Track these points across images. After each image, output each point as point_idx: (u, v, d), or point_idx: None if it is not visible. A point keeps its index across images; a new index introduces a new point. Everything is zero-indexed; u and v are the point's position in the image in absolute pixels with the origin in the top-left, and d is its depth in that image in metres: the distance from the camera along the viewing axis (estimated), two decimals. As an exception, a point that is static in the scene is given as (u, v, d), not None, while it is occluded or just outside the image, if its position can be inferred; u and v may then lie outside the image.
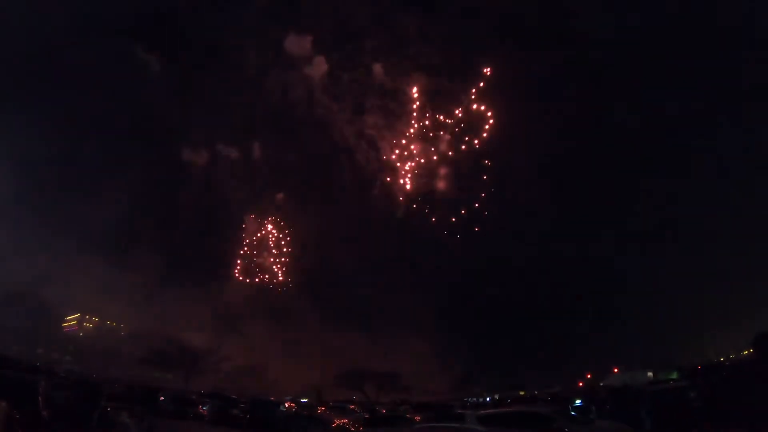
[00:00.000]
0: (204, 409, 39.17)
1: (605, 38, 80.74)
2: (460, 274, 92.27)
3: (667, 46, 77.85)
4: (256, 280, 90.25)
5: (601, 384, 56.75)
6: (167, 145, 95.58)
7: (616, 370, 62.44)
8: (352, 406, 51.60)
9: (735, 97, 73.92)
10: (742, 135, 74.73)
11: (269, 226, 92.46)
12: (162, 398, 39.71)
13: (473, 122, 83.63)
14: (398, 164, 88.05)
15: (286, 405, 49.35)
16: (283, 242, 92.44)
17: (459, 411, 33.17)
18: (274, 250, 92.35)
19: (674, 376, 46.60)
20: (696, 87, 77.19)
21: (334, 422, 35.35)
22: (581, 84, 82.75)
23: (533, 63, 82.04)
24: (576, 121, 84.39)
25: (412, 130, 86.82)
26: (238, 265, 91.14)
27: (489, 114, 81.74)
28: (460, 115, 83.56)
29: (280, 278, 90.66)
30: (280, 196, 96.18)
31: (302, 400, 62.79)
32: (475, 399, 69.93)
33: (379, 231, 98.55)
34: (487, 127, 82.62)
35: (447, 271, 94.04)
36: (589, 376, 68.64)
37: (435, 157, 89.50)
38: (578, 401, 37.07)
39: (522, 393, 69.44)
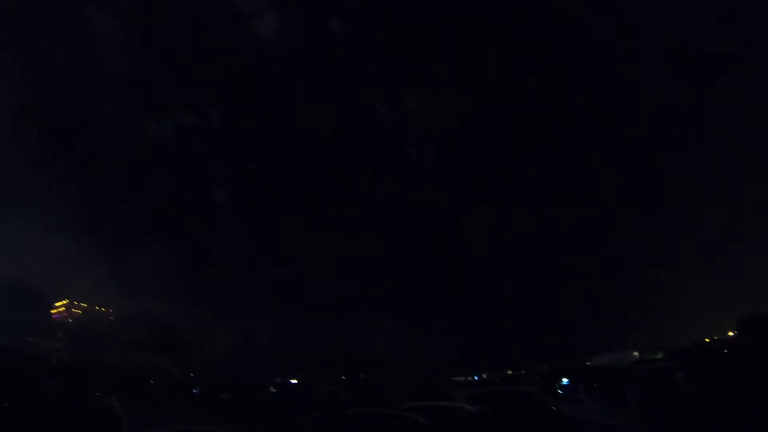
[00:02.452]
0: (194, 393, 39.21)
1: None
2: (450, 256, 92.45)
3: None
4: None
5: (588, 364, 57.34)
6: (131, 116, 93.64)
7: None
8: None
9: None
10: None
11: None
12: (152, 383, 39.70)
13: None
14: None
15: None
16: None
17: (448, 390, 33.50)
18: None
19: (660, 356, 47.10)
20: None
21: None
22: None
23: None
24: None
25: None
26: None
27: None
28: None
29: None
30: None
31: (292, 381, 62.91)
32: (463, 378, 70.55)
33: (359, 202, 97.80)
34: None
35: (435, 251, 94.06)
36: (576, 356, 69.38)
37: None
38: (565, 380, 37.59)
39: (510, 372, 70.15)
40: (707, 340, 54.76)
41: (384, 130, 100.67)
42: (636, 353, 54.68)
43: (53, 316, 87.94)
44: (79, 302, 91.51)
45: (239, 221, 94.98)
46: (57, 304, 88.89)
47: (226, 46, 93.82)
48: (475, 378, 69.34)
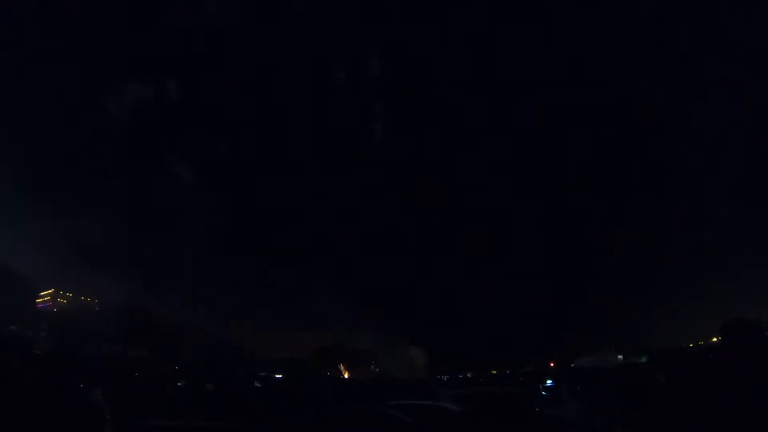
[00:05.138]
0: (179, 385, 39.12)
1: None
2: (434, 254, 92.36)
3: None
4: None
5: (573, 365, 57.68)
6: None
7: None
8: None
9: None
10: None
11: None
12: (136, 375, 39.61)
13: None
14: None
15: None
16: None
17: (433, 389, 33.58)
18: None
19: (643, 359, 47.53)
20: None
21: None
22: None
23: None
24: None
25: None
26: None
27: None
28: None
29: None
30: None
31: (276, 376, 62.80)
32: (448, 376, 70.86)
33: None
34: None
35: (418, 247, 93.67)
36: (560, 357, 69.76)
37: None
38: (549, 381, 37.82)
39: (494, 372, 70.51)
40: (691, 344, 55.25)
41: (346, 101, 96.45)
42: (620, 356, 55.12)
43: (38, 305, 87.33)
44: (64, 291, 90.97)
45: (216, 211, 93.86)
46: (42, 293, 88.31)
47: (179, 14, 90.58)
48: (459, 377, 69.65)
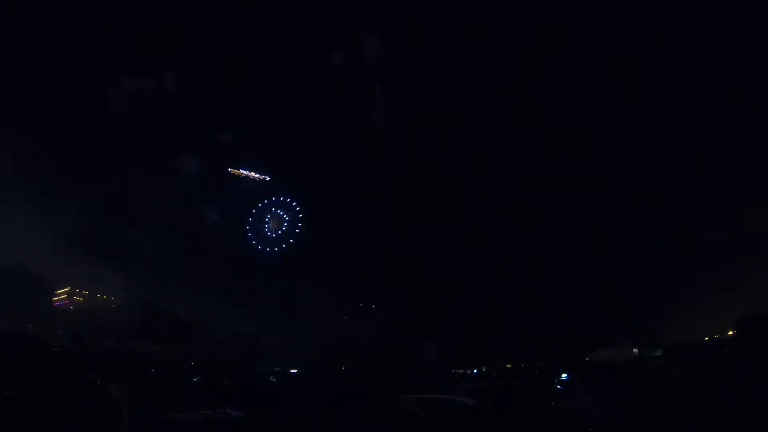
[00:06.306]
0: (195, 381, 39.36)
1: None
2: (445, 244, 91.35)
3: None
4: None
5: (587, 359, 57.44)
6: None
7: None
8: None
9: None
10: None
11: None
12: (152, 370, 39.88)
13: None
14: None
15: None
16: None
17: (447, 383, 33.65)
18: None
19: (658, 353, 47.23)
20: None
21: None
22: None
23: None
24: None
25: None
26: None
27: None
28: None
29: None
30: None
31: (292, 371, 62.89)
32: (462, 371, 70.82)
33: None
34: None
35: (434, 242, 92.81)
36: (575, 351, 69.45)
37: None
38: (564, 375, 37.72)
39: (509, 366, 70.31)
40: (706, 338, 54.75)
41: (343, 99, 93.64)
42: (635, 350, 54.81)
43: (54, 303, 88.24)
44: (81, 289, 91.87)
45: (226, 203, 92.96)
46: (58, 291, 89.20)
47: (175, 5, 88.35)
48: (474, 371, 69.60)
